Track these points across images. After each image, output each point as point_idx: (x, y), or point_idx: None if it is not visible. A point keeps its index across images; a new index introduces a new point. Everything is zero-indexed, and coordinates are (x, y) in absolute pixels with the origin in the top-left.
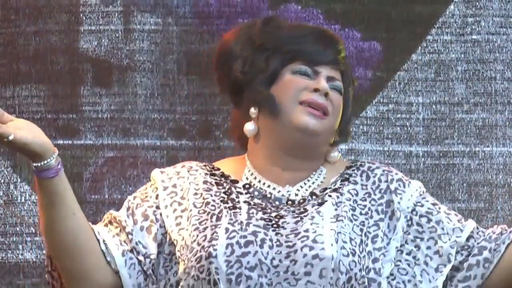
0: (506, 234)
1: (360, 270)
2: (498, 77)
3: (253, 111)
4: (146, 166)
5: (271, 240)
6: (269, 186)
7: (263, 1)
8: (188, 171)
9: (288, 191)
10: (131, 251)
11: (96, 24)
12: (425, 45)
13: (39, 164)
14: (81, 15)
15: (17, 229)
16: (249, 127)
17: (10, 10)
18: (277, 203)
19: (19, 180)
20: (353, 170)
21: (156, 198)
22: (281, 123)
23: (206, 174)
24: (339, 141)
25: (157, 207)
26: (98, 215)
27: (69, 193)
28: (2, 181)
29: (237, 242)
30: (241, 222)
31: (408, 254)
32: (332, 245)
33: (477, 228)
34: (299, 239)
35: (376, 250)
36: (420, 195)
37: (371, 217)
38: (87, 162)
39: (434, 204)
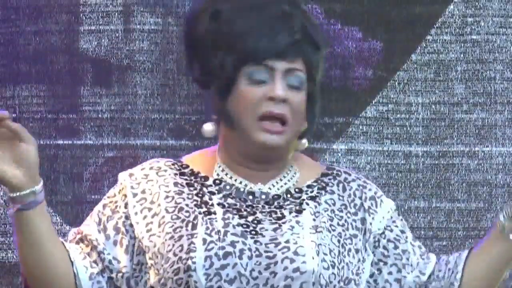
0: (453, 274)
1: (339, 282)
2: (497, 77)
3: (214, 116)
4: None
5: (250, 249)
6: (240, 182)
7: None
8: (157, 173)
9: (259, 189)
10: (102, 271)
11: (96, 24)
12: (424, 45)
13: (11, 194)
14: (81, 15)
15: None
16: (207, 127)
17: (10, 10)
18: (250, 197)
19: None
20: (329, 179)
21: (125, 207)
22: (241, 137)
23: (175, 174)
24: (306, 132)
25: (126, 217)
26: None
27: (42, 229)
28: None
29: (216, 254)
30: (219, 231)
31: (370, 276)
32: (313, 258)
33: (436, 262)
34: (279, 250)
35: (351, 264)
36: (391, 217)
37: (347, 229)
38: (87, 162)
39: (402, 232)
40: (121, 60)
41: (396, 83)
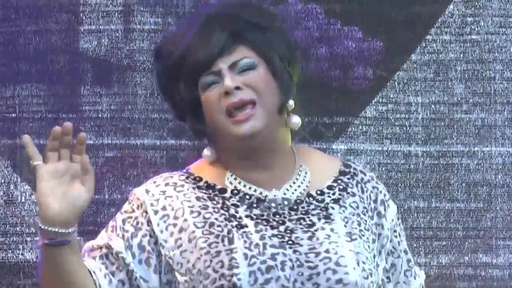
0: None
1: None
2: (497, 77)
3: (204, 140)
4: (146, 166)
5: (291, 260)
6: (255, 190)
7: (263, 1)
8: (174, 188)
9: (275, 195)
10: None
11: (96, 24)
12: (424, 45)
13: (42, 226)
14: (81, 14)
15: (18, 229)
16: (206, 153)
17: (10, 10)
18: (273, 204)
19: (19, 180)
20: (348, 179)
21: (148, 224)
22: (227, 141)
23: (193, 188)
24: (285, 102)
25: (151, 235)
26: (98, 215)
27: (70, 268)
28: (3, 181)
29: (259, 269)
30: (257, 244)
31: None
32: (354, 268)
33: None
34: (320, 260)
35: (377, 268)
36: (394, 226)
37: (371, 233)
38: None
39: (399, 243)
40: (121, 60)
41: (396, 83)
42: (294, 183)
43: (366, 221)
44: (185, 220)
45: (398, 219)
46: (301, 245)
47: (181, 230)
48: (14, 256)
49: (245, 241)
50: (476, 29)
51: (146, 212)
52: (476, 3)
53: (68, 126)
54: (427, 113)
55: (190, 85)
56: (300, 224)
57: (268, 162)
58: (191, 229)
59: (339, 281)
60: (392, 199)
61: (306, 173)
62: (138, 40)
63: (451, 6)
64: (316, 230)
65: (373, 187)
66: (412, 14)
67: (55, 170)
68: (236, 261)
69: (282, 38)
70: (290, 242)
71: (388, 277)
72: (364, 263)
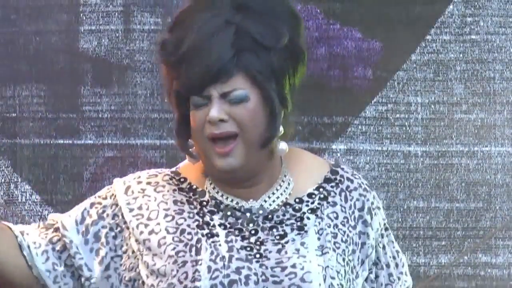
0: None
1: None
2: (497, 77)
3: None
4: (146, 166)
5: (256, 274)
6: (232, 200)
7: None
8: (154, 189)
9: (251, 206)
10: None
11: (96, 24)
12: (424, 45)
13: None
14: (81, 15)
15: None
16: (189, 159)
17: (10, 10)
18: (248, 214)
19: (19, 179)
20: (332, 187)
21: (113, 218)
22: (207, 162)
23: (174, 190)
24: (270, 137)
25: (111, 229)
26: None
27: None
28: (3, 180)
29: (221, 283)
30: (223, 257)
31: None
32: (320, 285)
33: None
34: (286, 275)
35: (353, 281)
36: (380, 235)
37: (350, 244)
38: (87, 162)
39: (384, 254)
40: (121, 60)
41: (396, 83)
42: (273, 193)
43: (344, 232)
44: (158, 224)
45: (385, 230)
46: (268, 259)
47: (151, 232)
48: None
49: (211, 252)
50: (476, 29)
51: (116, 205)
52: (476, 3)
53: None
54: (426, 113)
55: (181, 98)
56: (272, 234)
57: (248, 183)
58: (162, 234)
59: None
60: (389, 198)
61: (288, 184)
62: (138, 40)
63: (451, 6)
64: (286, 242)
65: (360, 195)
66: (412, 14)
67: None
68: (199, 273)
69: (290, 54)
70: (257, 255)
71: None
72: (333, 278)
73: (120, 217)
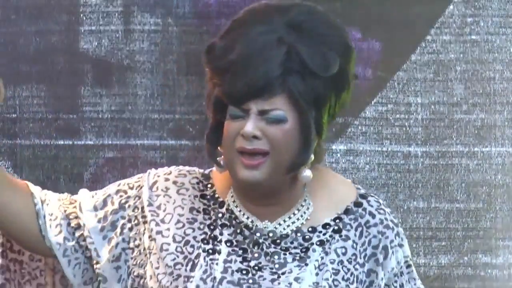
0: None
1: None
2: (497, 77)
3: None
4: (146, 166)
5: None
6: (247, 218)
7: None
8: (177, 191)
9: (265, 227)
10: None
11: (96, 25)
12: (424, 45)
13: None
14: (82, 15)
15: None
16: (218, 168)
17: (10, 10)
18: (258, 234)
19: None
20: (350, 219)
21: (133, 210)
22: (230, 173)
23: (195, 196)
24: (300, 163)
25: (129, 221)
26: None
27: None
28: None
29: None
30: (214, 277)
31: None
32: None
33: None
34: None
35: None
36: (395, 275)
37: (352, 283)
38: (87, 163)
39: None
40: (121, 61)
41: (396, 83)
42: (289, 218)
43: (348, 270)
44: (168, 229)
45: (407, 267)
46: (260, 286)
47: (159, 232)
48: None
49: (205, 271)
50: (476, 29)
51: (139, 198)
52: (476, 4)
53: None
54: (426, 114)
55: (220, 105)
56: (273, 262)
57: (266, 201)
58: (168, 240)
59: None
60: (389, 198)
61: (307, 208)
62: (138, 40)
63: (451, 7)
64: (283, 273)
65: (379, 232)
66: (412, 14)
67: None
68: None
69: (336, 84)
70: (250, 280)
71: None
72: None
73: (140, 210)
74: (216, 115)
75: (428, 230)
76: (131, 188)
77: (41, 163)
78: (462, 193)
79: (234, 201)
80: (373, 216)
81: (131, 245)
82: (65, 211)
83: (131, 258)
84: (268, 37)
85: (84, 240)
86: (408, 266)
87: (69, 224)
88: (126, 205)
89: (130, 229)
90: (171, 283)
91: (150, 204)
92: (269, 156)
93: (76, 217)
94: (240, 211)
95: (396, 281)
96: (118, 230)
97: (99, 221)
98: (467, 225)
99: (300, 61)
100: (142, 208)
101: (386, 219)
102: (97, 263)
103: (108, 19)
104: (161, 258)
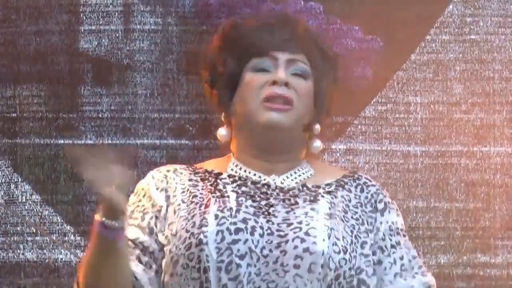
0: None
1: (350, 269)
2: (496, 77)
3: (223, 115)
4: (146, 166)
5: (261, 227)
6: (254, 174)
7: (263, 0)
8: (174, 171)
9: (273, 180)
10: (156, 272)
11: (96, 24)
12: (423, 45)
13: (107, 221)
14: (81, 15)
15: (18, 228)
16: (221, 132)
17: (10, 10)
18: (265, 187)
19: (20, 179)
20: (349, 180)
21: (153, 207)
22: (249, 124)
23: (190, 173)
24: (312, 122)
25: (156, 217)
26: None
27: (122, 254)
28: (3, 180)
29: (227, 229)
30: (231, 208)
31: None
32: (324, 240)
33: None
34: (291, 229)
35: (365, 256)
36: (390, 229)
37: (362, 224)
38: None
39: (392, 246)
40: (121, 60)
41: (395, 83)
42: (295, 172)
43: (356, 212)
44: (175, 196)
45: (401, 230)
46: (276, 217)
47: (170, 204)
48: (15, 256)
49: (219, 206)
50: (475, 29)
51: (150, 198)
52: (476, 3)
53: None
54: (426, 113)
55: (240, 61)
56: (284, 202)
57: (276, 157)
58: (177, 203)
59: (306, 249)
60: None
61: (308, 171)
62: (138, 40)
63: (451, 6)
64: (297, 208)
65: (377, 189)
66: (412, 14)
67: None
68: (206, 220)
69: (334, 71)
70: (265, 213)
71: (374, 270)
72: (338, 239)
73: (155, 202)
74: (231, 73)
75: (427, 230)
76: (139, 200)
77: (41, 162)
78: (461, 192)
79: (237, 165)
80: (370, 181)
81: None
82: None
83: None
84: (289, 17)
85: (156, 257)
86: (404, 235)
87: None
88: (146, 209)
89: (160, 221)
90: (186, 223)
91: (159, 189)
92: (294, 107)
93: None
94: (245, 170)
95: (391, 236)
96: (155, 229)
97: (143, 232)
98: (466, 225)
99: (313, 40)
100: (155, 199)
101: (378, 186)
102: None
103: (108, 18)
104: (175, 221)
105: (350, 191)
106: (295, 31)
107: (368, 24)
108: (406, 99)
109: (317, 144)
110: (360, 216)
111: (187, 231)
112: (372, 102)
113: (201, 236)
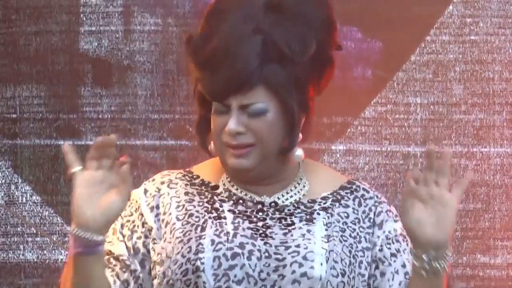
0: None
1: None
2: (496, 77)
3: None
4: (146, 167)
5: (259, 250)
6: (246, 194)
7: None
8: (168, 185)
9: (264, 200)
10: None
11: (96, 25)
12: (423, 45)
13: (78, 233)
14: (82, 15)
15: (18, 229)
16: (211, 146)
17: (10, 10)
18: (260, 205)
19: (20, 180)
20: (346, 193)
21: (143, 226)
22: (222, 161)
23: (186, 185)
24: (288, 148)
25: (146, 236)
26: None
27: (96, 274)
28: (3, 181)
29: (224, 255)
30: (228, 232)
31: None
32: (321, 264)
33: None
34: (289, 253)
35: (362, 276)
36: (388, 238)
37: (360, 242)
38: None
39: (392, 255)
40: (121, 61)
41: (395, 84)
42: (287, 193)
43: (354, 229)
44: (170, 214)
45: (400, 235)
46: (273, 239)
47: (166, 224)
48: (15, 257)
49: (216, 229)
50: (475, 29)
51: (142, 215)
52: (475, 4)
53: (112, 138)
54: (426, 114)
55: (204, 100)
56: (280, 222)
57: (263, 182)
58: (172, 222)
59: (304, 274)
60: (388, 198)
61: (304, 186)
62: (138, 41)
63: (450, 7)
64: (293, 229)
65: (375, 202)
66: (412, 14)
67: (93, 178)
68: (203, 246)
69: (316, 64)
70: (263, 235)
71: (369, 284)
72: (336, 262)
73: (146, 221)
74: (202, 108)
75: None
76: (131, 215)
77: (41, 163)
78: None
79: (229, 181)
80: (367, 192)
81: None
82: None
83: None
84: (243, 28)
85: (128, 284)
86: (404, 239)
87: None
88: (135, 228)
89: (150, 243)
90: (182, 247)
91: (151, 209)
92: (255, 147)
93: (113, 269)
94: (237, 189)
95: (389, 244)
96: (143, 249)
97: (127, 250)
98: (465, 225)
99: (277, 49)
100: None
101: (378, 196)
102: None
103: (108, 19)
104: (170, 240)
105: (347, 206)
106: (252, 55)
107: (368, 24)
108: (406, 99)
109: (298, 153)
110: (357, 234)
111: (183, 256)
112: (372, 102)
113: (198, 263)
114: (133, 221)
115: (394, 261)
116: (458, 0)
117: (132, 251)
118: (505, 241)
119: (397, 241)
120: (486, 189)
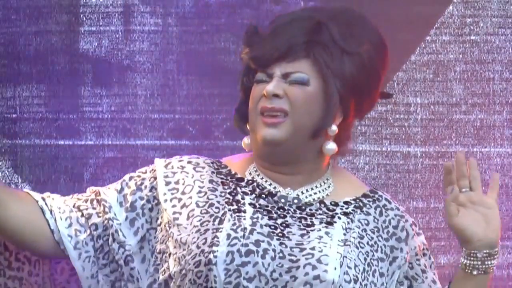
0: None
1: None
2: (496, 77)
3: (248, 124)
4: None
5: (274, 250)
6: (270, 184)
7: (263, 1)
8: (194, 168)
9: (288, 193)
10: (97, 237)
11: (96, 25)
12: (423, 45)
13: None
14: (82, 15)
15: None
16: (245, 141)
17: (10, 10)
18: (282, 200)
19: (20, 180)
20: (368, 201)
21: (150, 190)
22: (254, 137)
23: (212, 172)
24: (319, 128)
25: (148, 201)
26: None
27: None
28: (3, 181)
29: (238, 250)
30: (245, 228)
31: None
32: (335, 268)
33: None
34: (304, 255)
35: (375, 284)
36: (416, 254)
37: (376, 251)
38: (87, 163)
39: (423, 271)
40: (121, 61)
41: (395, 84)
42: (312, 189)
43: (372, 238)
44: (190, 197)
45: (428, 256)
46: (290, 240)
47: (183, 206)
48: None
49: (233, 223)
50: (475, 29)
51: (155, 178)
52: (476, 4)
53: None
54: (426, 114)
55: (249, 73)
56: (300, 222)
57: (288, 169)
58: (191, 207)
59: (317, 277)
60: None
61: (329, 186)
62: (138, 41)
63: (451, 7)
64: (312, 230)
65: (396, 215)
66: (412, 14)
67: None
68: (218, 239)
69: (363, 66)
70: (280, 234)
71: None
72: (349, 267)
73: (157, 190)
74: (244, 90)
75: (427, 230)
76: (144, 173)
77: (41, 163)
78: None
79: (256, 171)
80: (389, 202)
81: (154, 225)
82: (73, 204)
83: (154, 237)
84: (301, 14)
85: (96, 229)
86: (430, 257)
87: (81, 215)
88: (142, 186)
89: (151, 209)
90: (198, 238)
91: (167, 183)
92: (289, 117)
93: (87, 208)
94: (262, 178)
95: (418, 260)
96: (139, 210)
97: (120, 204)
98: None
99: (329, 35)
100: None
101: (399, 208)
102: (123, 245)
103: (108, 19)
104: (186, 226)
105: (368, 213)
106: (307, 30)
107: None
108: (406, 99)
109: (330, 146)
110: (375, 242)
111: (198, 247)
112: None
113: (211, 256)
114: (143, 179)
115: (426, 277)
116: (458, 0)
117: (127, 204)
118: (505, 241)
119: (424, 254)
120: (486, 189)
